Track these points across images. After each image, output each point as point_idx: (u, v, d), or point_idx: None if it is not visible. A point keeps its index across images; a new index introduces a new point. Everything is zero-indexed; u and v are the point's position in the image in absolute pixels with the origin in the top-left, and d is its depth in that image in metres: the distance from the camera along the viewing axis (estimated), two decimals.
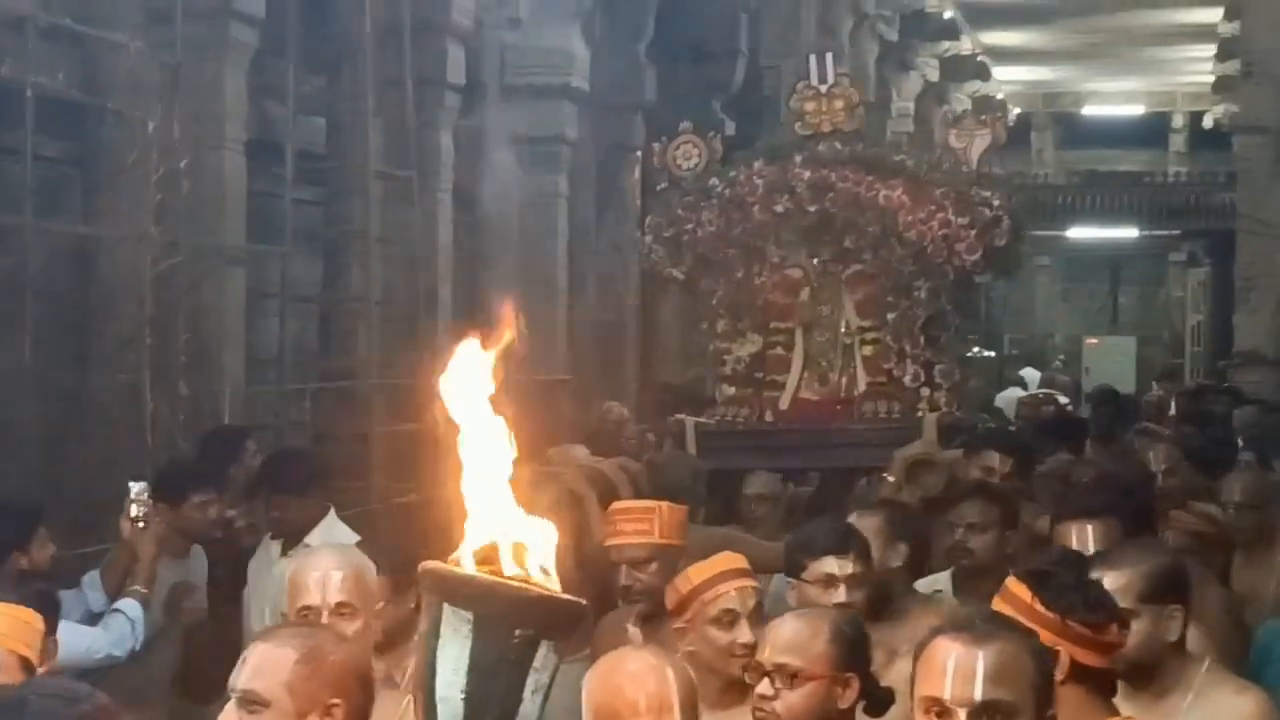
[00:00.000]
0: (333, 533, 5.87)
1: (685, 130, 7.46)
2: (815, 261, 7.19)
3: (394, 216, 9.87)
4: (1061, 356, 28.72)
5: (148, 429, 7.29)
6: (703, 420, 7.28)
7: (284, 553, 5.88)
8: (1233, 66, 18.66)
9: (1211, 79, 24.52)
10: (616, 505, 5.07)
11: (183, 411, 7.40)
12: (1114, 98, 30.99)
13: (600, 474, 6.26)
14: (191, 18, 7.60)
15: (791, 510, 6.77)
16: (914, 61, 22.41)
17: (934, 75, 23.23)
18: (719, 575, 4.23)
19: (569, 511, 5.60)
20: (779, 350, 7.23)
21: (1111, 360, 28.03)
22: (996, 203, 7.02)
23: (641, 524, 4.86)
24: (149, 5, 7.53)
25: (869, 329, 7.15)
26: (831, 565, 4.45)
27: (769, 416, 7.22)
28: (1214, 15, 20.63)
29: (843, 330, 7.19)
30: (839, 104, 7.21)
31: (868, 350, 7.15)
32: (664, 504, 4.98)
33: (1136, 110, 31.40)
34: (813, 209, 7.08)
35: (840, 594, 4.40)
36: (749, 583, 4.25)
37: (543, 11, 11.82)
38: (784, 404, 7.20)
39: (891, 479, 6.34)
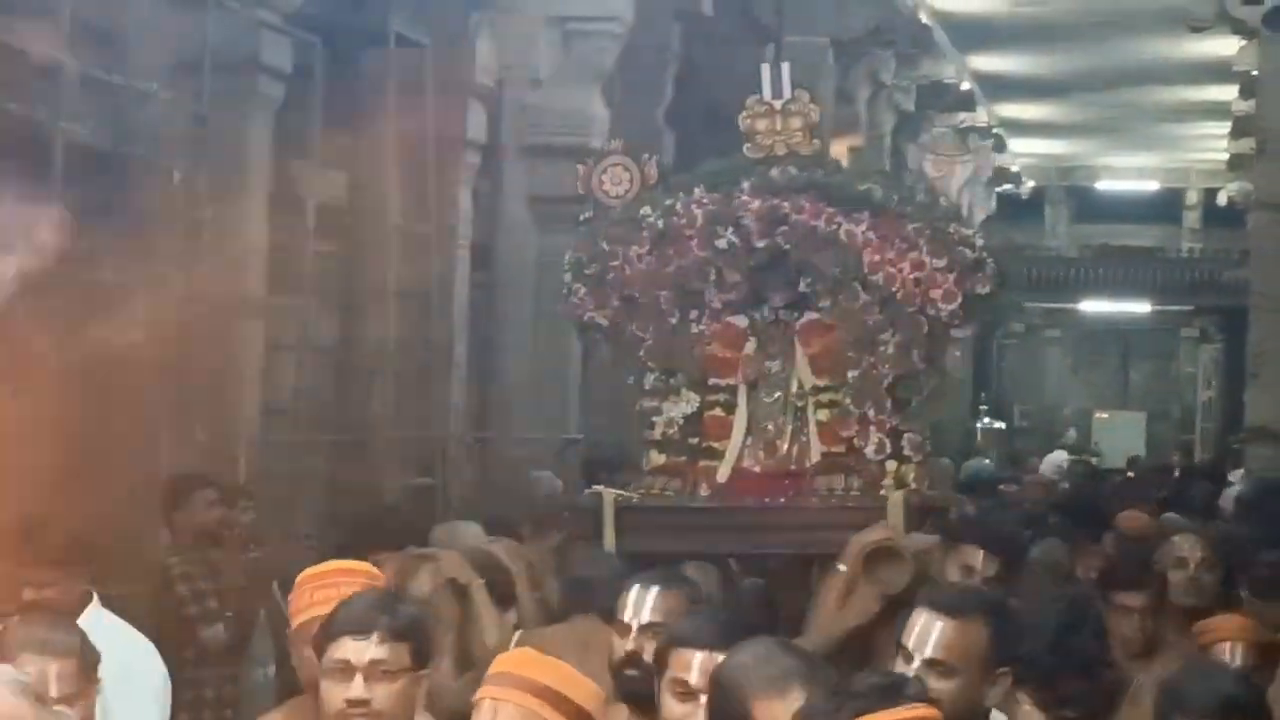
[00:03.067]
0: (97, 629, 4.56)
1: (614, 150, 6.43)
2: (763, 308, 6.17)
3: (411, 271, 9.97)
4: (1072, 430, 28.76)
5: (162, 475, 7.34)
6: (623, 494, 6.06)
7: None
8: (1247, 144, 18.76)
9: (1226, 156, 24.67)
10: (309, 571, 4.02)
11: (198, 459, 7.45)
12: (1128, 173, 31.15)
13: (489, 558, 5.40)
14: (219, 70, 7.71)
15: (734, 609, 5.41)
16: (929, 131, 22.56)
17: None
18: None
19: (449, 606, 4.98)
20: (718, 412, 6.15)
21: (1121, 435, 28.08)
22: (979, 242, 6.01)
23: (346, 592, 3.86)
24: (178, 56, 7.64)
25: (825, 389, 6.07)
26: (347, 649, 3.58)
27: (704, 490, 6.06)
28: (1229, 93, 20.76)
29: (794, 390, 6.10)
30: (796, 123, 6.18)
31: (823, 415, 6.06)
32: (372, 569, 4.05)
33: (1150, 186, 31.55)
34: (761, 245, 6.09)
35: (355, 687, 3.55)
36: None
37: (563, 73, 11.94)
38: (722, 476, 6.08)
39: (844, 569, 5.31)
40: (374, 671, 3.56)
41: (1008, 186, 27.59)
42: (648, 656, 4.04)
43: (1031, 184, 29.75)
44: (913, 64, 19.71)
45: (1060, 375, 32.18)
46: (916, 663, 3.67)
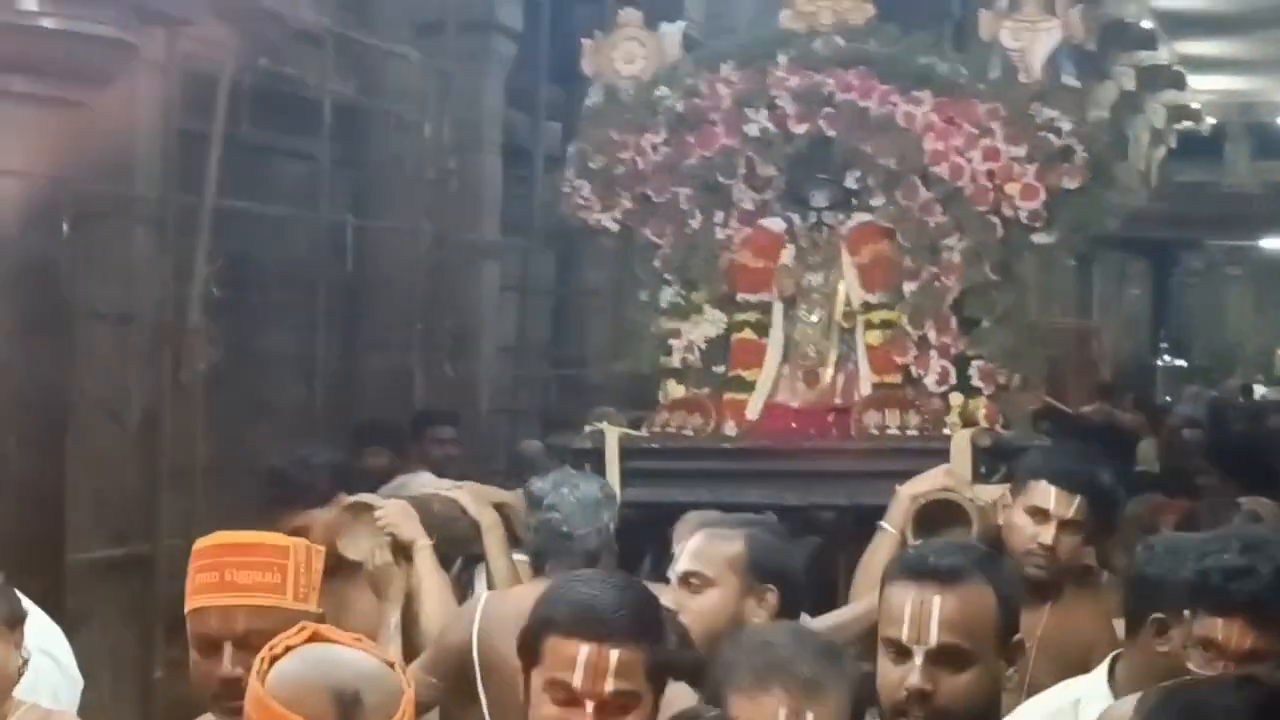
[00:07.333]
0: None
1: (628, 22, 5.31)
2: (803, 208, 5.12)
3: None
4: (1260, 376, 28.58)
5: (415, 409, 7.92)
6: (634, 433, 5.08)
7: None
8: None
9: None
10: (219, 538, 2.93)
11: (445, 393, 8.02)
12: None
13: (449, 507, 4.26)
14: (460, 30, 8.27)
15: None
16: (1111, 71, 22.55)
17: (1130, 84, 23.36)
18: None
19: (395, 570, 3.96)
20: (749, 334, 5.11)
21: None
22: (1067, 127, 4.88)
23: (268, 573, 2.85)
24: (422, 18, 8.21)
25: (878, 306, 5.03)
26: None
27: (731, 429, 5.04)
28: None
29: (840, 308, 5.04)
30: None
31: (874, 337, 5.02)
32: (303, 543, 2.96)
33: None
34: (800, 130, 5.01)
35: None
36: None
37: (752, 14, 12.36)
38: (753, 412, 5.07)
39: (892, 530, 4.18)
40: None
41: (1188, 124, 27.42)
42: (680, 613, 3.24)
43: (1212, 121, 29.47)
44: (1095, 3, 19.79)
45: (1242, 313, 31.94)
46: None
